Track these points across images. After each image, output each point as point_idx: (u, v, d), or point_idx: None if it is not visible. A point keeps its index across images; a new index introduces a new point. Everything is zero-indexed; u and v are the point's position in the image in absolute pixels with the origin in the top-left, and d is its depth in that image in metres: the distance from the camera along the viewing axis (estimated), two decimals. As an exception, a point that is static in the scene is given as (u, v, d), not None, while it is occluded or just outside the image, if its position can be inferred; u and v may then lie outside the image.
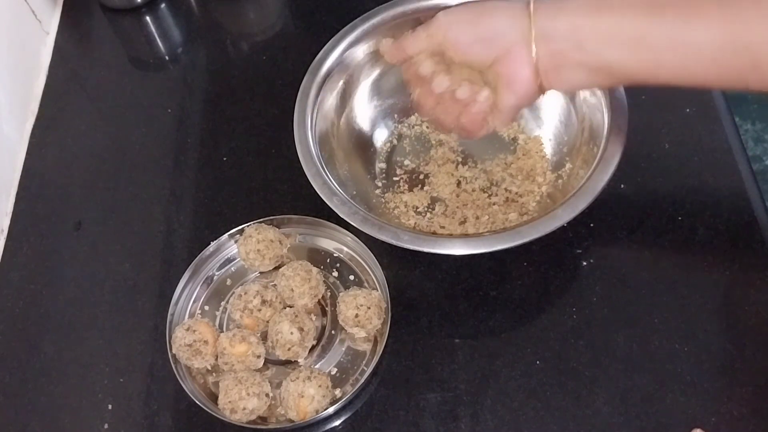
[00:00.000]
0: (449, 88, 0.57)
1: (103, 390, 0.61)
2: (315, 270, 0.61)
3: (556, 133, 0.68)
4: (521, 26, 0.52)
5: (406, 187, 0.69)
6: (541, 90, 0.55)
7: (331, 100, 0.67)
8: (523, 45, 0.52)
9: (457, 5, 0.58)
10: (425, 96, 0.59)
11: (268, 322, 0.60)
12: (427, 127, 0.72)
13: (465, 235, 0.64)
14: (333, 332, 0.62)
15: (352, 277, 0.64)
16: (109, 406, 0.60)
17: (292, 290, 0.60)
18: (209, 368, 0.60)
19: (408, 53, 0.59)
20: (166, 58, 0.85)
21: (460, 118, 0.58)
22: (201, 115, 0.78)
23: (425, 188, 0.68)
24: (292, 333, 0.57)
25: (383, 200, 0.68)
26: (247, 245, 0.62)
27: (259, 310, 0.60)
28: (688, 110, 0.70)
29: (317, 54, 0.67)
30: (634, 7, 0.50)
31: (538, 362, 0.59)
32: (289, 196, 0.69)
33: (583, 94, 0.64)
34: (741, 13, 0.47)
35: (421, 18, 0.62)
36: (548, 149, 0.69)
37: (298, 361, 0.59)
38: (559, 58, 0.52)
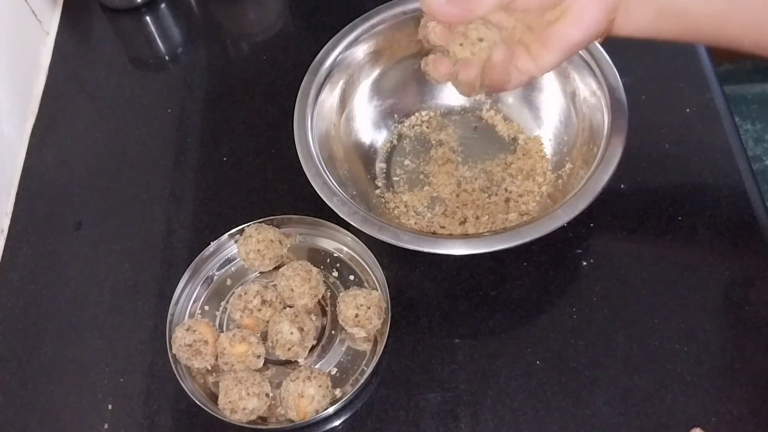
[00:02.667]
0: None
1: (103, 390, 0.61)
2: (315, 270, 0.61)
3: (556, 133, 0.68)
4: None
5: (406, 187, 0.69)
6: (607, 32, 0.52)
7: (331, 100, 0.67)
8: None
9: None
10: (466, 66, 0.53)
11: (268, 322, 0.60)
12: (427, 127, 0.72)
13: (465, 235, 0.64)
14: (333, 332, 0.62)
15: (352, 277, 0.64)
16: (109, 406, 0.60)
17: (292, 290, 0.60)
18: (209, 368, 0.60)
19: (478, 12, 0.52)
20: (166, 58, 0.85)
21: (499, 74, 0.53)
22: (201, 115, 0.78)
23: (425, 188, 0.68)
24: (292, 333, 0.57)
25: (383, 200, 0.68)
26: (247, 245, 0.62)
27: (259, 310, 0.60)
28: (688, 110, 0.70)
29: (317, 54, 0.67)
30: None
31: (538, 362, 0.59)
32: (289, 196, 0.69)
33: (583, 94, 0.64)
34: None
35: (422, 18, 0.61)
36: (548, 149, 0.69)
37: (298, 361, 0.59)
38: None
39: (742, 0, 0.49)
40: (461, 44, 0.53)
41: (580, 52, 0.62)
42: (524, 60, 0.53)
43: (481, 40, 0.52)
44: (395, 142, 0.72)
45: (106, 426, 0.60)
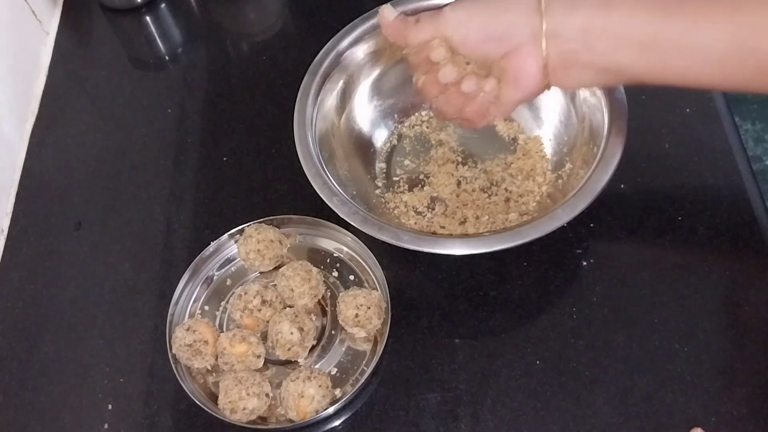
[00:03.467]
0: (455, 80, 0.56)
1: (103, 390, 0.61)
2: (315, 270, 0.61)
3: (556, 133, 0.68)
4: (532, 24, 0.51)
5: (406, 187, 0.69)
6: (547, 87, 0.55)
7: (331, 100, 0.67)
8: (533, 43, 0.52)
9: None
10: (430, 83, 0.58)
11: (268, 322, 0.60)
12: (427, 127, 0.72)
13: (465, 235, 0.64)
14: (333, 332, 0.62)
15: (352, 277, 0.64)
16: (109, 406, 0.60)
17: (292, 290, 0.60)
18: (209, 368, 0.60)
19: (409, 42, 0.57)
20: (166, 58, 0.85)
21: (463, 109, 0.57)
22: (201, 115, 0.78)
23: (425, 188, 0.68)
24: (292, 333, 0.57)
25: (383, 200, 0.68)
26: (247, 245, 0.62)
27: (259, 310, 0.60)
28: (688, 110, 0.70)
29: (317, 54, 0.67)
30: (645, 8, 0.50)
31: (538, 362, 0.59)
32: (289, 196, 0.69)
33: (583, 94, 0.64)
34: (748, 17, 0.47)
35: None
36: (548, 149, 0.69)
37: (298, 361, 0.59)
38: (568, 58, 0.52)
39: (675, 57, 0.50)
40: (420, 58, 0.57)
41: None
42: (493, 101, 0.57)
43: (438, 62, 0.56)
44: (395, 142, 0.72)
45: (106, 426, 0.60)
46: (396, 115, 0.72)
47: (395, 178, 0.69)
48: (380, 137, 0.71)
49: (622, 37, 0.50)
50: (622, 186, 0.66)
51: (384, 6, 0.58)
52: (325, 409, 0.55)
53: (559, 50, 0.52)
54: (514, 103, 0.56)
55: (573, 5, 0.51)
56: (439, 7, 0.56)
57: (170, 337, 0.59)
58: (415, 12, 0.66)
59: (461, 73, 0.56)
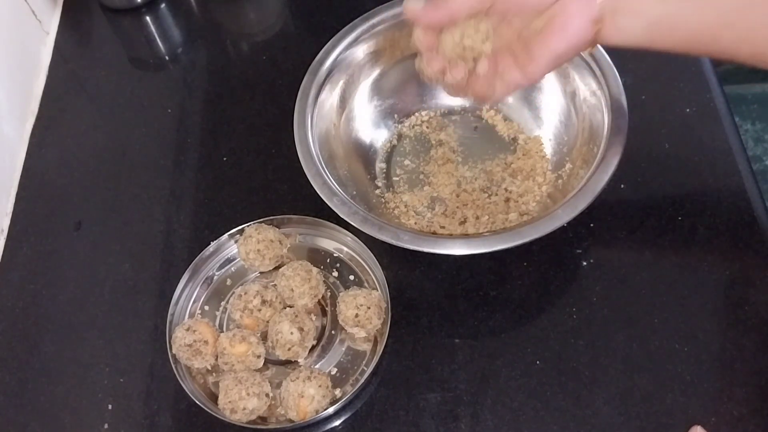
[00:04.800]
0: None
1: (103, 390, 0.61)
2: (315, 270, 0.61)
3: (556, 133, 0.68)
4: None
5: (406, 187, 0.69)
6: (592, 43, 0.52)
7: (331, 100, 0.67)
8: None
9: None
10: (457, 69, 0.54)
11: (268, 322, 0.60)
12: (427, 127, 0.72)
13: (465, 235, 0.64)
14: (333, 332, 0.62)
15: (352, 277, 0.64)
16: (109, 406, 0.60)
17: (292, 290, 0.60)
18: (209, 368, 0.60)
19: (456, 10, 0.52)
20: (166, 58, 0.85)
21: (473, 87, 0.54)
22: (201, 115, 0.78)
23: (425, 188, 0.68)
24: (292, 333, 0.57)
25: (383, 200, 0.68)
26: (247, 245, 0.62)
27: (259, 310, 0.60)
28: (688, 110, 0.70)
29: (317, 54, 0.67)
30: None
31: (538, 362, 0.59)
32: (289, 196, 0.69)
33: (583, 94, 0.64)
34: None
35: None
36: (548, 149, 0.69)
37: (298, 361, 0.59)
38: (621, 3, 0.50)
39: (735, 13, 0.48)
40: (449, 46, 0.53)
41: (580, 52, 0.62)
42: (511, 70, 0.53)
43: (467, 43, 0.53)
44: (395, 142, 0.72)
45: (106, 426, 0.60)
46: (396, 115, 0.72)
47: (395, 178, 0.69)
48: (380, 137, 0.71)
49: None
50: (622, 186, 0.66)
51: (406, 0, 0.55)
52: (325, 409, 0.55)
53: None
54: (555, 59, 0.51)
55: None
56: None
57: (170, 337, 0.59)
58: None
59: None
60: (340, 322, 0.59)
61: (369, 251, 0.62)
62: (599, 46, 0.63)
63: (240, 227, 0.65)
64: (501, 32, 0.53)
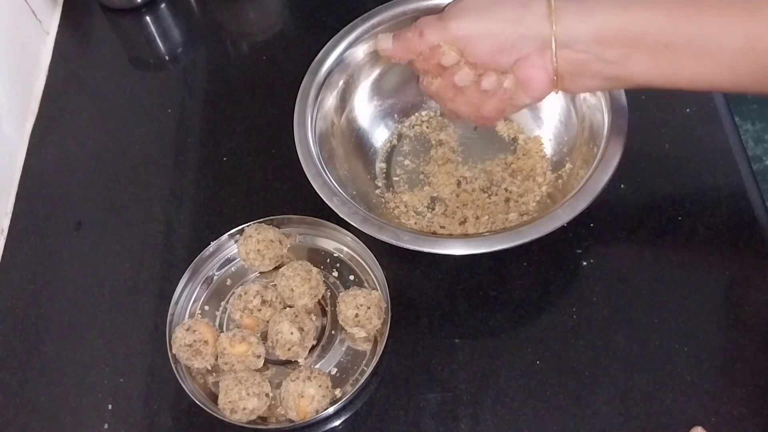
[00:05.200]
0: (472, 81, 0.56)
1: (103, 390, 0.61)
2: (315, 270, 0.61)
3: (556, 133, 0.68)
4: (542, 34, 0.51)
5: (406, 187, 0.69)
6: (555, 91, 0.55)
7: (331, 100, 0.67)
8: (543, 53, 0.52)
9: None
10: (445, 88, 0.57)
11: (268, 322, 0.60)
12: (427, 127, 0.72)
13: (465, 235, 0.64)
14: (333, 332, 0.62)
15: (352, 277, 0.64)
16: (109, 406, 0.60)
17: (292, 290, 0.60)
18: (209, 368, 0.60)
19: (418, 53, 0.56)
20: (166, 58, 0.85)
21: (481, 106, 0.57)
22: (201, 115, 0.78)
23: (425, 188, 0.68)
24: (292, 333, 0.57)
25: (383, 200, 0.68)
26: (247, 245, 0.62)
27: (259, 310, 0.60)
28: (688, 110, 0.70)
29: (317, 54, 0.67)
30: (662, 8, 0.49)
31: (538, 362, 0.59)
32: (289, 196, 0.69)
33: (584, 95, 0.64)
34: (763, 21, 0.46)
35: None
36: (548, 149, 0.69)
37: (298, 361, 0.59)
38: (578, 67, 0.52)
39: (687, 61, 0.49)
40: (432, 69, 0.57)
41: None
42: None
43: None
44: (395, 142, 0.72)
45: (106, 426, 0.60)
46: (396, 115, 0.72)
47: (395, 178, 0.69)
48: (380, 137, 0.71)
49: (635, 41, 0.50)
50: (622, 186, 0.66)
51: (379, 37, 0.58)
52: (325, 409, 0.55)
53: (569, 59, 0.52)
54: (523, 107, 0.58)
55: (586, 9, 0.50)
56: (437, 10, 0.56)
57: (170, 337, 0.59)
58: (415, 11, 0.66)
59: (477, 73, 0.55)
60: (340, 322, 0.59)
61: (369, 251, 0.62)
62: None
63: (240, 227, 0.65)
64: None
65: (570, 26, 0.51)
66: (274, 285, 0.62)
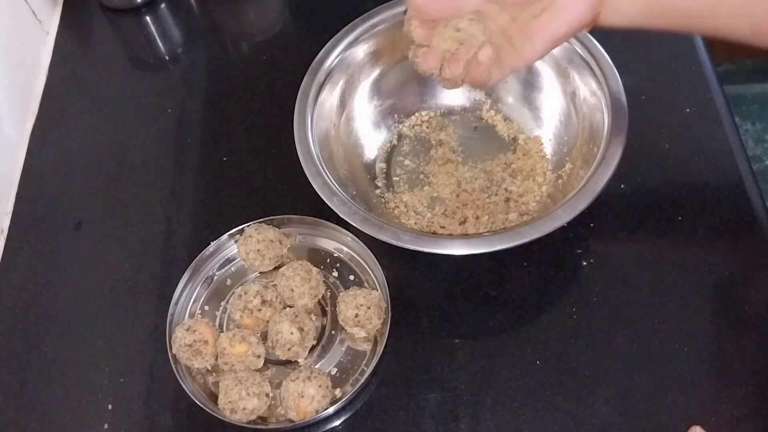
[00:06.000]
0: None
1: (103, 390, 0.61)
2: (315, 270, 0.61)
3: (556, 133, 0.68)
4: None
5: (406, 187, 0.69)
6: (592, 24, 0.52)
7: (331, 100, 0.67)
8: None
9: None
10: (455, 62, 0.54)
11: (268, 322, 0.60)
12: (427, 127, 0.72)
13: (465, 235, 0.64)
14: (333, 332, 0.62)
15: (352, 277, 0.64)
16: (109, 406, 0.60)
17: (292, 290, 0.60)
18: (209, 368, 0.60)
19: (466, 5, 0.52)
20: (166, 58, 0.85)
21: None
22: (201, 115, 0.78)
23: (425, 188, 0.68)
24: (292, 333, 0.57)
25: (383, 200, 0.68)
26: (247, 245, 0.62)
27: (259, 310, 0.60)
28: (688, 110, 0.70)
29: (317, 54, 0.67)
30: None
31: (538, 362, 0.59)
32: (289, 196, 0.69)
33: (583, 94, 0.64)
34: None
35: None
36: (548, 149, 0.69)
37: (298, 361, 0.59)
38: None
39: None
40: (446, 39, 0.53)
41: (580, 52, 0.62)
42: (508, 53, 0.53)
43: (465, 36, 0.53)
44: (395, 142, 0.72)
45: (106, 426, 0.60)
46: (396, 115, 0.72)
47: (395, 178, 0.69)
48: (380, 137, 0.71)
49: None
50: (622, 186, 0.66)
51: None
52: (325, 409, 0.55)
53: None
54: (552, 41, 0.52)
55: None
56: None
57: (170, 337, 0.59)
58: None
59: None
60: (340, 322, 0.59)
61: (369, 251, 0.62)
62: (598, 45, 0.63)
63: (240, 227, 0.65)
64: (496, 18, 0.53)
65: None
66: (274, 285, 0.62)
